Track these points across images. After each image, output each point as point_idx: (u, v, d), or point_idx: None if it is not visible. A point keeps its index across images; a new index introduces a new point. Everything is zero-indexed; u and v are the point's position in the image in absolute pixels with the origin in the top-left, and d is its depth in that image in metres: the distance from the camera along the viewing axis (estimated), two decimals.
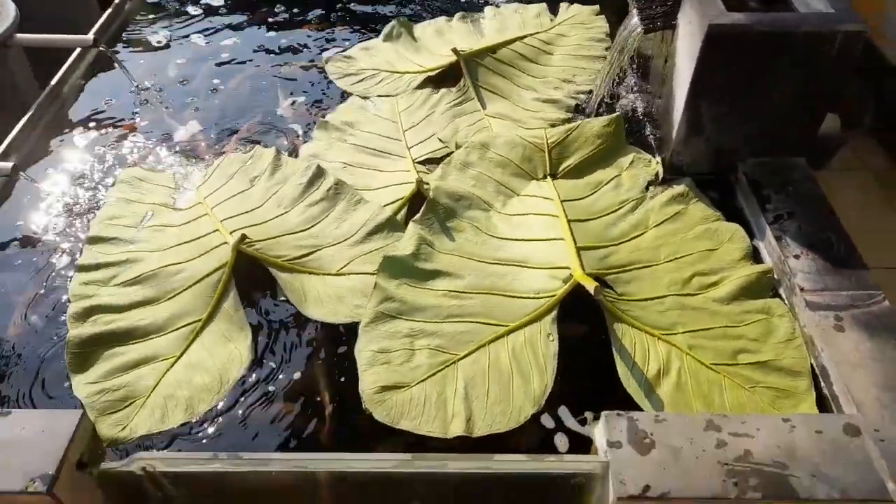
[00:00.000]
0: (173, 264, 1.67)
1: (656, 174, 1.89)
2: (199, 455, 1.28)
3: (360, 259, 1.67)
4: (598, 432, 1.25)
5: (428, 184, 1.83)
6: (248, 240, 1.67)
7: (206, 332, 1.54)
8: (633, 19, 1.94)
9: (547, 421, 1.38)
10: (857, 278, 1.52)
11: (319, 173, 1.88)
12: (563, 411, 1.39)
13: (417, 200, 1.81)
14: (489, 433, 1.32)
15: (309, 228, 1.76)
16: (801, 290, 1.51)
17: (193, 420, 1.39)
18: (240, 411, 1.42)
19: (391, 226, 1.74)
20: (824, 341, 1.41)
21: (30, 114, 2.19)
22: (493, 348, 1.46)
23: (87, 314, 1.55)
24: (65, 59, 2.45)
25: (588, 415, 1.38)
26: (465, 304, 1.54)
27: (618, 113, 2.06)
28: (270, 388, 1.46)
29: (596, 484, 1.21)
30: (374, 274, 1.61)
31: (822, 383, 1.40)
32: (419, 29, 2.62)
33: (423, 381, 1.40)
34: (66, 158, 2.09)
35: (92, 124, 2.23)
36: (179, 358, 1.49)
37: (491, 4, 2.78)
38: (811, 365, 1.43)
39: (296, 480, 1.25)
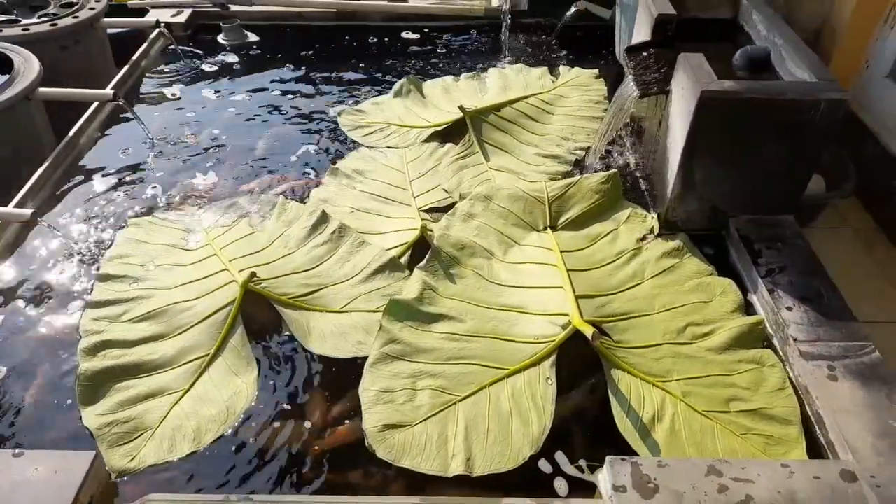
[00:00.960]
0: (182, 301, 1.71)
1: (651, 228, 1.96)
2: (209, 497, 1.29)
3: (363, 298, 1.72)
4: (603, 477, 1.27)
5: (432, 231, 1.90)
6: (256, 277, 1.72)
7: (214, 367, 1.57)
8: (630, 84, 2.05)
9: (547, 464, 1.39)
10: (847, 330, 1.57)
11: (324, 217, 1.96)
12: (561, 456, 1.40)
13: (420, 246, 1.88)
14: (488, 473, 1.33)
15: (314, 268, 1.82)
16: (795, 340, 1.55)
17: (200, 450, 1.40)
18: (244, 442, 1.43)
19: (393, 267, 1.80)
20: (819, 390, 1.44)
21: (48, 163, 2.27)
22: (494, 390, 1.48)
23: (97, 349, 1.59)
24: (82, 112, 2.55)
25: (582, 462, 1.39)
26: (466, 347, 1.57)
27: (614, 170, 2.15)
28: (275, 424, 1.48)
29: None
30: (375, 312, 1.66)
31: (818, 430, 1.42)
32: (428, 86, 2.75)
33: (424, 420, 1.42)
34: (81, 205, 2.15)
35: (106, 173, 2.31)
36: (187, 391, 1.52)
37: (495, 66, 2.92)
38: (806, 412, 1.46)
39: None
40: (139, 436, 1.42)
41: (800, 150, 1.80)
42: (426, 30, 3.33)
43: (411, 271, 1.78)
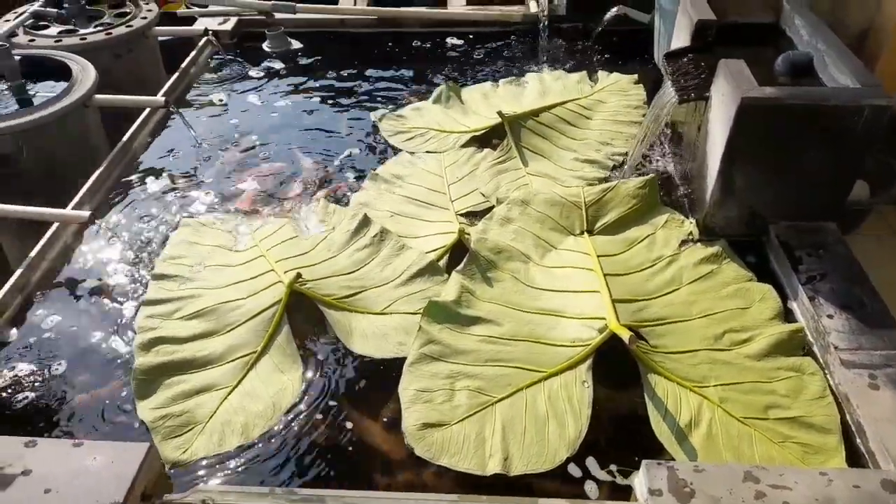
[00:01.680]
0: (231, 300, 1.78)
1: (689, 234, 1.96)
2: (256, 489, 1.34)
3: (403, 300, 1.77)
4: (639, 480, 1.28)
5: (469, 234, 1.93)
6: (301, 278, 1.78)
7: (261, 364, 1.63)
8: (668, 89, 2.05)
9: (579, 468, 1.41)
10: (890, 338, 1.55)
11: (366, 221, 2.01)
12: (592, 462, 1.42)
13: (458, 249, 1.91)
14: (525, 472, 1.36)
15: (356, 271, 1.88)
16: (836, 348, 1.54)
17: (247, 443, 1.47)
18: (289, 437, 1.49)
19: (432, 270, 1.84)
20: (859, 398, 1.43)
21: (103, 166, 2.37)
22: (531, 392, 1.51)
23: (151, 345, 1.67)
24: (134, 118, 2.66)
25: (613, 467, 1.41)
26: (503, 349, 1.60)
27: (652, 175, 2.15)
28: (318, 417, 1.53)
29: None
30: (415, 314, 1.70)
31: (858, 439, 1.41)
32: (466, 92, 2.79)
33: (462, 420, 1.45)
34: (135, 207, 2.25)
35: (158, 177, 2.41)
36: (235, 387, 1.58)
37: (534, 71, 2.94)
38: (847, 421, 1.45)
39: None
40: (190, 429, 1.49)
41: (843, 156, 1.78)
42: (465, 36, 3.36)
43: (449, 274, 1.81)
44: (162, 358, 1.63)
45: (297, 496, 1.30)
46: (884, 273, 1.77)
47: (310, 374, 1.63)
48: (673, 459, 1.38)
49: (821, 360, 1.58)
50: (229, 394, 1.56)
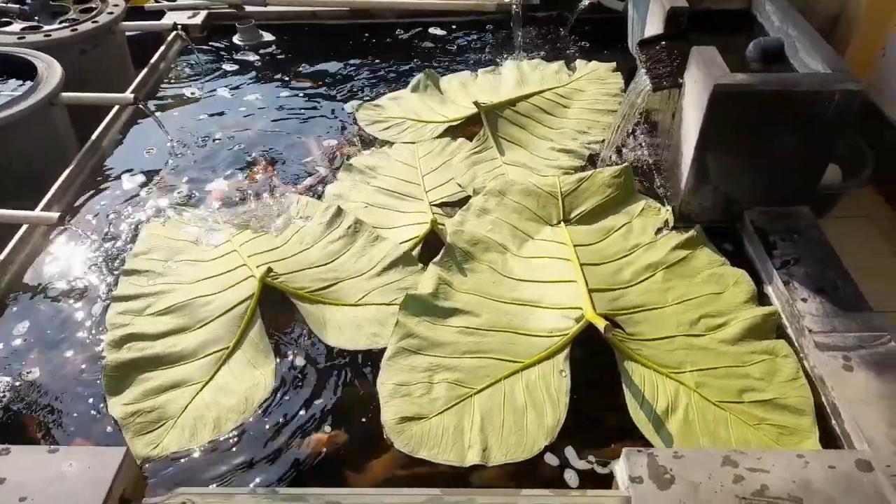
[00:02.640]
0: (203, 296, 1.76)
1: (665, 221, 1.96)
2: (237, 490, 1.33)
3: (377, 291, 1.76)
4: (620, 468, 1.29)
5: (443, 225, 1.93)
6: (273, 273, 1.77)
7: (234, 359, 1.62)
8: (642, 77, 2.05)
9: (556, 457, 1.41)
10: (863, 320, 1.57)
11: (339, 213, 2.00)
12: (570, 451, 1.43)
13: (433, 240, 1.91)
14: (504, 463, 1.36)
15: (330, 263, 1.87)
16: (810, 331, 1.55)
17: (220, 438, 1.46)
18: (262, 432, 1.48)
19: (406, 260, 1.83)
20: (834, 381, 1.45)
21: (72, 166, 2.32)
22: (509, 383, 1.51)
23: (122, 342, 1.65)
24: (103, 115, 2.61)
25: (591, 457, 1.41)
26: (481, 340, 1.60)
27: (627, 163, 2.15)
28: (290, 411, 1.52)
29: None
30: (389, 305, 1.70)
31: (833, 421, 1.43)
32: (445, 81, 2.77)
33: (441, 412, 1.45)
34: (106, 206, 2.20)
35: (129, 175, 2.36)
36: (208, 382, 1.57)
37: (510, 61, 2.92)
38: (822, 403, 1.46)
39: None
40: (162, 425, 1.48)
41: (814, 141, 1.79)
42: (439, 26, 3.34)
43: (423, 264, 1.81)
44: (133, 354, 1.62)
45: (278, 495, 1.29)
46: (856, 256, 1.79)
47: (283, 368, 1.62)
48: (652, 446, 1.38)
49: (796, 344, 1.60)
50: (201, 389, 1.55)
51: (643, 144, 2.35)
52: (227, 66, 3.07)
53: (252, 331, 1.66)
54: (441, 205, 2.09)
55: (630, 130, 2.31)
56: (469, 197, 2.08)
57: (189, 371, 1.59)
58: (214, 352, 1.63)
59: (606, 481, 1.36)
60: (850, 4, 2.46)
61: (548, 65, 2.83)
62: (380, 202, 2.12)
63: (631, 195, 2.07)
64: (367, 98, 2.74)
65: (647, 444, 1.40)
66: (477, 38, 3.24)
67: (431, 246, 1.87)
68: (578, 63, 2.85)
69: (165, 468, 1.41)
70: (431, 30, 3.32)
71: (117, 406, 1.51)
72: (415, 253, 1.88)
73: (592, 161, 2.29)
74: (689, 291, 1.72)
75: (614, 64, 2.80)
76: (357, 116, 2.59)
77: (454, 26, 3.34)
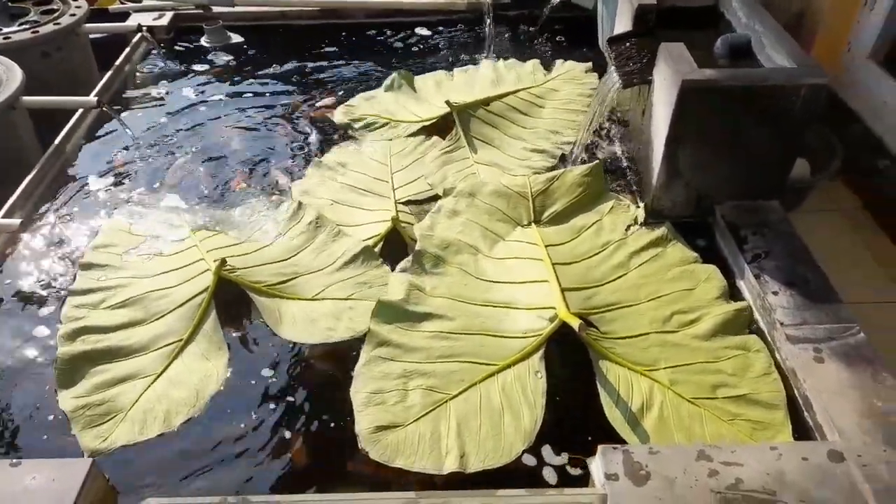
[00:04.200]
0: (159, 289, 1.75)
1: (635, 218, 1.97)
2: (208, 499, 1.29)
3: (336, 286, 1.76)
4: (596, 465, 1.28)
5: (406, 223, 1.92)
6: (229, 266, 1.76)
7: (187, 351, 1.61)
8: (612, 74, 2.05)
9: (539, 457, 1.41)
10: (833, 312, 1.59)
11: (301, 207, 2.00)
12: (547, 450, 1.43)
13: (395, 237, 1.92)
14: (482, 469, 1.35)
15: (290, 258, 1.86)
16: (781, 324, 1.57)
17: (169, 431, 1.45)
18: (212, 425, 1.48)
19: (366, 255, 1.83)
20: (806, 372, 1.46)
21: (34, 172, 2.26)
22: (484, 387, 1.50)
23: (76, 334, 1.63)
24: (67, 119, 2.54)
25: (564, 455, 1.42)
26: (455, 344, 1.58)
27: (597, 161, 2.15)
28: (244, 406, 1.52)
29: None
30: (346, 300, 1.70)
31: (806, 413, 1.44)
32: (420, 80, 2.75)
33: (417, 420, 1.43)
34: (69, 212, 2.15)
35: (93, 179, 2.30)
36: (160, 375, 1.56)
37: (482, 60, 2.91)
38: (794, 395, 1.48)
39: None
40: (112, 418, 1.46)
41: (783, 135, 1.81)
42: (411, 25, 3.31)
43: (384, 260, 1.82)
44: (86, 347, 1.60)
45: (250, 503, 1.26)
46: (826, 248, 1.81)
47: (237, 361, 1.62)
48: (627, 444, 1.38)
49: (768, 337, 1.61)
50: (153, 382, 1.54)
51: (614, 142, 2.35)
52: (194, 68, 3.02)
53: (206, 324, 1.66)
54: (408, 203, 2.08)
55: (600, 128, 2.32)
56: (437, 196, 2.07)
57: (142, 364, 1.58)
58: (167, 344, 1.62)
59: (584, 480, 1.35)
60: (814, 0, 2.49)
61: (523, 64, 2.83)
62: (345, 199, 2.10)
63: (601, 193, 2.07)
64: (338, 98, 2.71)
65: (624, 442, 1.40)
66: (449, 38, 3.23)
67: (394, 243, 1.88)
68: (556, 63, 2.84)
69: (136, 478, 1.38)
70: (402, 30, 3.29)
71: (67, 399, 1.50)
72: (377, 249, 1.88)
73: (565, 161, 2.29)
74: (661, 288, 1.72)
75: (590, 64, 2.79)
76: (332, 116, 2.57)
77: (425, 25, 3.31)
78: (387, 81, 2.72)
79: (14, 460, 1.26)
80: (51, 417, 1.51)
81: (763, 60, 1.91)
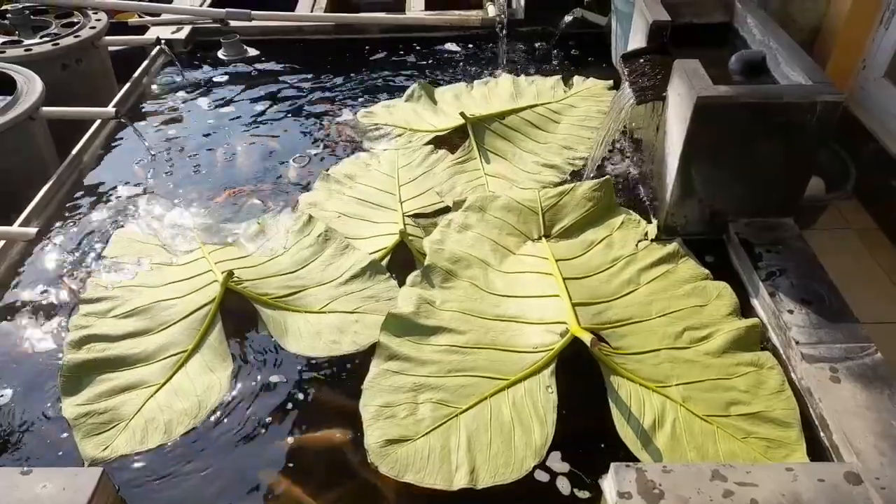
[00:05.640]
0: (167, 299, 1.76)
1: (646, 233, 1.96)
2: None
3: (342, 299, 1.76)
4: (608, 483, 1.26)
5: (414, 236, 1.93)
6: (236, 278, 1.76)
7: (191, 362, 1.62)
8: (626, 91, 2.05)
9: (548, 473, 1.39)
10: (849, 331, 1.57)
11: (310, 221, 2.01)
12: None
13: (402, 251, 1.92)
14: (493, 484, 1.33)
15: (298, 270, 1.87)
16: (797, 343, 1.55)
17: (170, 442, 1.45)
18: (214, 436, 1.48)
19: (373, 269, 1.83)
20: (822, 392, 1.44)
21: (52, 181, 2.29)
22: (495, 401, 1.48)
23: (82, 342, 1.64)
24: (85, 130, 2.58)
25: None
26: (466, 358, 1.58)
27: (607, 177, 2.14)
28: (246, 418, 1.53)
29: None
30: (352, 313, 1.71)
31: (822, 433, 1.42)
32: (440, 92, 2.78)
33: (427, 434, 1.42)
34: (85, 222, 2.17)
35: (109, 190, 2.33)
36: (163, 385, 1.56)
37: (499, 76, 2.92)
38: (810, 415, 1.46)
39: None
40: (114, 426, 1.47)
41: (797, 152, 1.80)
42: (426, 41, 3.34)
43: (391, 274, 1.83)
44: (92, 355, 1.61)
45: None
46: (840, 267, 1.80)
47: (242, 374, 1.62)
48: (639, 461, 1.37)
49: (783, 356, 1.59)
50: (156, 391, 1.55)
51: (628, 158, 2.35)
52: (211, 81, 3.06)
53: (211, 335, 1.66)
54: (415, 216, 2.08)
55: (614, 144, 2.32)
56: (445, 209, 2.08)
57: (146, 373, 1.59)
58: (173, 354, 1.63)
59: (596, 497, 1.34)
60: (830, 17, 2.48)
61: (545, 80, 2.83)
62: (353, 212, 2.11)
63: (612, 209, 2.06)
64: (350, 113, 2.73)
65: (635, 459, 1.38)
66: (463, 54, 3.24)
67: (402, 258, 1.89)
68: (576, 79, 2.84)
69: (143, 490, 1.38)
70: (416, 45, 3.32)
71: (70, 406, 1.51)
72: (384, 263, 1.88)
73: (577, 177, 2.28)
74: (672, 304, 1.71)
75: (611, 82, 2.78)
76: (346, 129, 2.60)
77: (439, 41, 3.33)
78: (408, 92, 2.75)
79: (25, 468, 1.26)
80: (60, 425, 1.51)
81: (778, 77, 1.90)
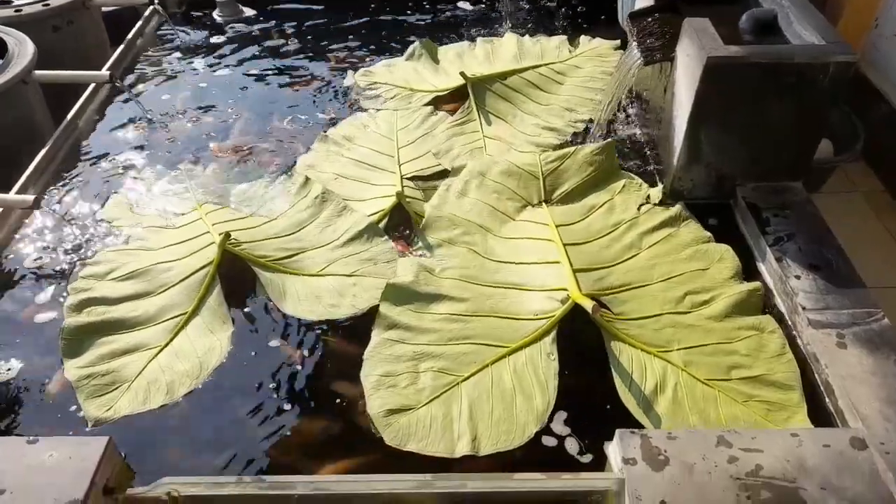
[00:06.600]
0: (165, 262, 1.75)
1: (647, 197, 1.92)
2: (223, 479, 1.28)
3: (340, 262, 1.74)
4: (613, 449, 1.26)
5: (411, 198, 1.90)
6: (233, 240, 1.75)
7: (191, 324, 1.61)
8: (633, 51, 2.00)
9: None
10: (856, 297, 1.55)
11: (307, 182, 1.98)
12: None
13: (400, 212, 1.89)
14: (495, 451, 1.33)
15: (295, 233, 1.85)
16: (804, 308, 1.53)
17: (172, 402, 1.46)
18: (215, 396, 1.49)
19: (371, 231, 1.82)
20: (828, 358, 1.43)
21: (47, 147, 2.25)
22: (496, 369, 1.47)
23: (82, 305, 1.64)
24: (79, 93, 2.53)
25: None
26: (466, 326, 1.56)
27: (609, 140, 2.09)
28: (245, 380, 1.53)
29: (612, 500, 1.21)
30: (350, 276, 1.69)
31: (827, 398, 1.41)
32: (442, 51, 2.71)
33: (428, 402, 1.41)
34: (83, 187, 2.14)
35: (107, 154, 2.29)
36: (164, 347, 1.56)
37: (502, 35, 2.84)
38: (815, 380, 1.45)
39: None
40: (116, 388, 1.48)
41: (808, 114, 1.76)
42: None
43: (388, 236, 1.81)
44: (92, 318, 1.61)
45: (265, 483, 1.25)
46: (848, 231, 1.77)
47: (241, 334, 1.62)
48: (642, 427, 1.36)
49: (789, 321, 1.57)
50: (157, 353, 1.55)
51: (634, 121, 2.30)
52: (207, 42, 2.99)
53: (210, 297, 1.66)
54: (413, 178, 2.05)
55: (620, 106, 2.26)
56: (444, 172, 2.04)
57: (147, 336, 1.59)
58: (172, 317, 1.63)
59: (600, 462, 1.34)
60: None
61: (549, 39, 2.75)
62: (350, 174, 2.08)
63: (613, 172, 2.02)
64: (343, 75, 2.67)
65: (638, 425, 1.38)
66: (467, 13, 3.15)
67: (399, 218, 1.87)
68: (582, 39, 2.75)
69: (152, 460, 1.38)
70: (424, 3, 3.23)
71: (72, 369, 1.51)
72: (381, 225, 1.86)
73: (577, 139, 2.23)
74: (673, 268, 1.69)
75: (618, 42, 2.69)
76: (351, 83, 2.56)
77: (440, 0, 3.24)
78: (409, 50, 2.68)
79: (31, 437, 1.26)
80: (61, 390, 1.51)
81: (790, 36, 1.84)
